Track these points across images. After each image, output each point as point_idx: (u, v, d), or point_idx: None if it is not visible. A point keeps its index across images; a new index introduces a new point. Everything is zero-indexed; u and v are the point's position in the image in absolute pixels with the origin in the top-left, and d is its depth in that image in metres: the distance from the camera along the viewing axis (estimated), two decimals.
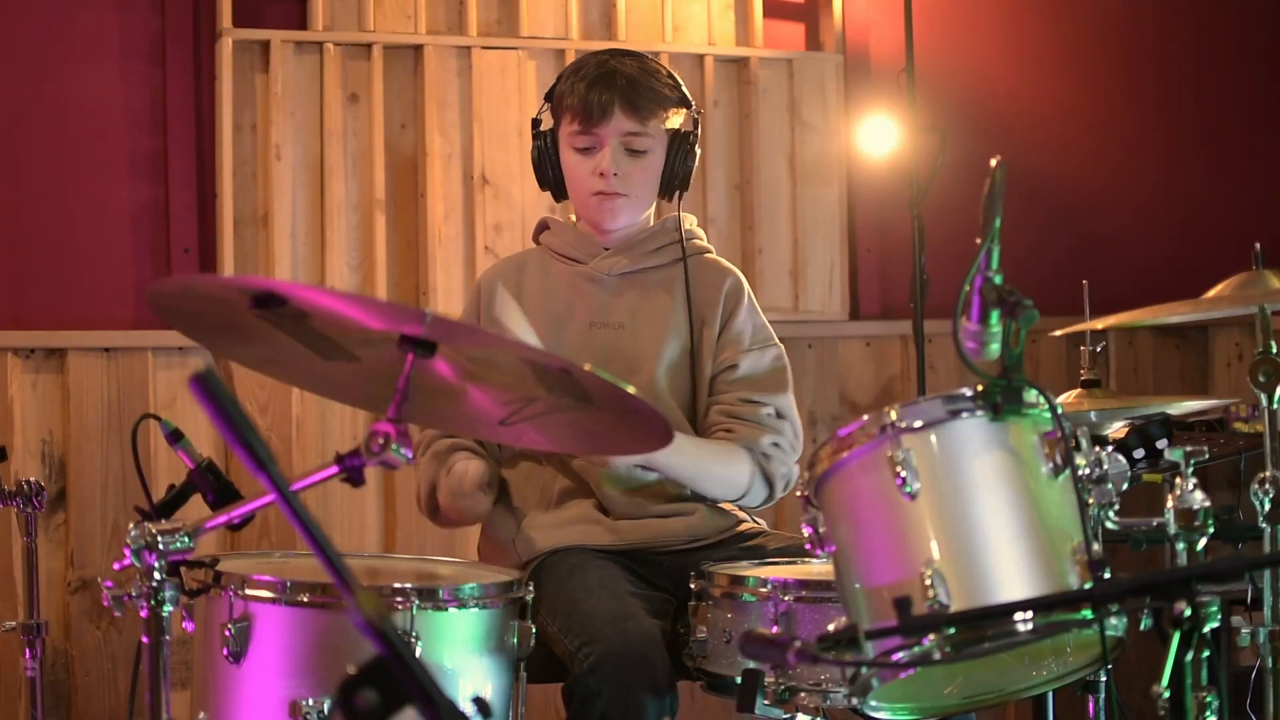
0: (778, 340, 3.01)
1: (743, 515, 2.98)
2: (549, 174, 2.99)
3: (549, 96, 2.99)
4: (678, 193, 2.98)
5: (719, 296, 2.97)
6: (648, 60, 2.97)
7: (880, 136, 4.40)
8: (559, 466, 2.92)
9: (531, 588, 2.54)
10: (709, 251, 3.05)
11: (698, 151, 2.98)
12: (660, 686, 2.54)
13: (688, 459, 2.82)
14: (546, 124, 2.99)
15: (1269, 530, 2.40)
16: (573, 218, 3.07)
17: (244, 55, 4.07)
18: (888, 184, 4.49)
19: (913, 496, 2.06)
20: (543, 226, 3.07)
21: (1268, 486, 2.38)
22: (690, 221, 3.04)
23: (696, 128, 2.97)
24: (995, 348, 2.08)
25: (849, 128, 4.51)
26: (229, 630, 2.31)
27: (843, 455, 2.12)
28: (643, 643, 2.55)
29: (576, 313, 2.95)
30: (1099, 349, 3.16)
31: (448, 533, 4.10)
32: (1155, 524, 2.19)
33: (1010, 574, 2.03)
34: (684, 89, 2.98)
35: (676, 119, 2.95)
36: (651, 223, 3.03)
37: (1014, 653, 2.12)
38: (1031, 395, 2.08)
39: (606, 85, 2.88)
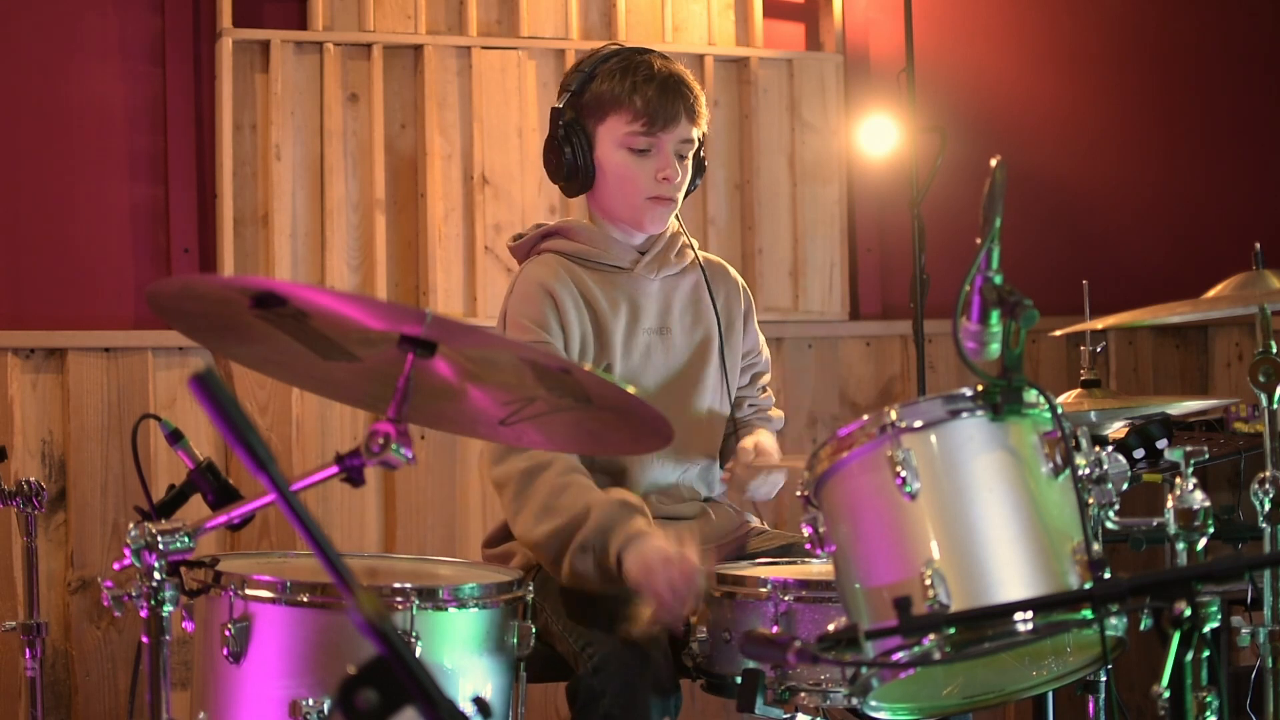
0: None
1: (747, 515, 2.99)
2: (578, 167, 2.89)
3: (576, 89, 2.90)
4: (690, 193, 2.99)
5: (738, 297, 3.03)
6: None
7: (880, 136, 4.40)
8: None
9: (533, 587, 2.54)
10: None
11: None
12: (664, 686, 2.54)
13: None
14: (568, 115, 2.90)
15: (1269, 530, 2.40)
16: (586, 219, 2.98)
17: (244, 55, 4.07)
18: (888, 184, 4.49)
19: (913, 496, 2.06)
20: (554, 234, 2.95)
21: (1268, 486, 2.38)
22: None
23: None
24: (995, 348, 2.08)
25: (849, 128, 4.51)
26: (229, 630, 2.31)
27: (843, 455, 2.12)
28: (646, 643, 2.55)
29: (622, 319, 2.90)
30: (1099, 349, 3.16)
31: (448, 533, 4.11)
32: (1155, 524, 2.19)
33: (1010, 574, 2.03)
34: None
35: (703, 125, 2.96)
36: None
37: (1014, 653, 2.12)
38: (1031, 395, 2.08)
39: (675, 92, 2.87)
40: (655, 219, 2.92)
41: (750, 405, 3.06)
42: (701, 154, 2.96)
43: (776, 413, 3.13)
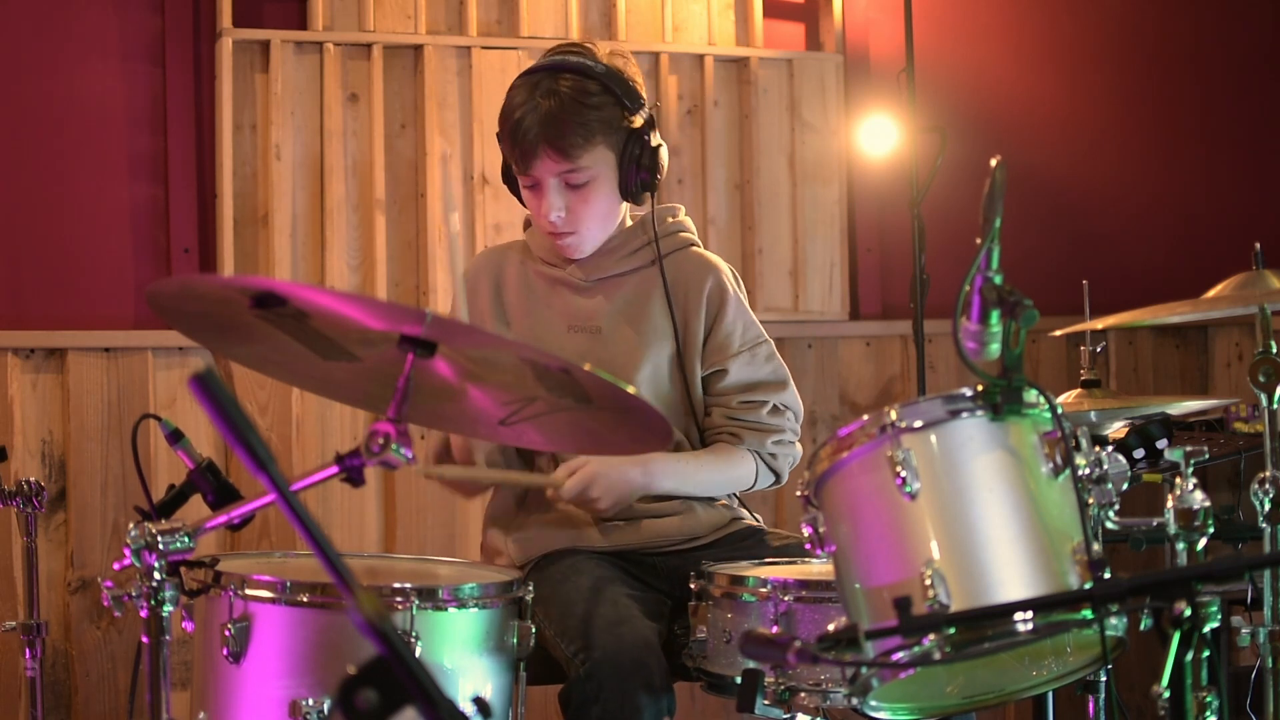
0: (765, 334, 2.94)
1: (739, 512, 2.97)
2: (519, 198, 2.90)
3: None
4: (649, 192, 2.85)
5: (701, 296, 2.89)
6: (580, 77, 2.76)
7: (880, 136, 4.40)
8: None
9: (531, 588, 2.54)
10: (694, 245, 2.95)
11: (659, 146, 2.82)
12: (656, 688, 2.53)
13: (677, 479, 2.82)
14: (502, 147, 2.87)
15: (1269, 530, 2.40)
16: None
17: (244, 55, 4.07)
18: (888, 184, 4.49)
19: (913, 496, 2.06)
20: (527, 222, 2.98)
21: (1268, 486, 2.38)
22: (679, 212, 2.97)
23: (652, 124, 2.81)
24: (995, 348, 2.08)
25: (849, 128, 4.51)
26: (229, 630, 2.31)
27: (843, 455, 2.12)
28: (638, 647, 2.55)
29: (554, 315, 2.90)
30: (1099, 349, 3.16)
31: (448, 533, 4.11)
32: (1155, 524, 2.19)
33: (1010, 574, 2.03)
34: (625, 94, 2.78)
35: (623, 128, 2.78)
36: (629, 222, 2.94)
37: (1014, 653, 2.12)
38: (1031, 395, 2.08)
39: (528, 129, 2.74)
40: (563, 251, 2.87)
41: (730, 417, 2.88)
42: (648, 143, 2.79)
43: (756, 435, 2.88)
